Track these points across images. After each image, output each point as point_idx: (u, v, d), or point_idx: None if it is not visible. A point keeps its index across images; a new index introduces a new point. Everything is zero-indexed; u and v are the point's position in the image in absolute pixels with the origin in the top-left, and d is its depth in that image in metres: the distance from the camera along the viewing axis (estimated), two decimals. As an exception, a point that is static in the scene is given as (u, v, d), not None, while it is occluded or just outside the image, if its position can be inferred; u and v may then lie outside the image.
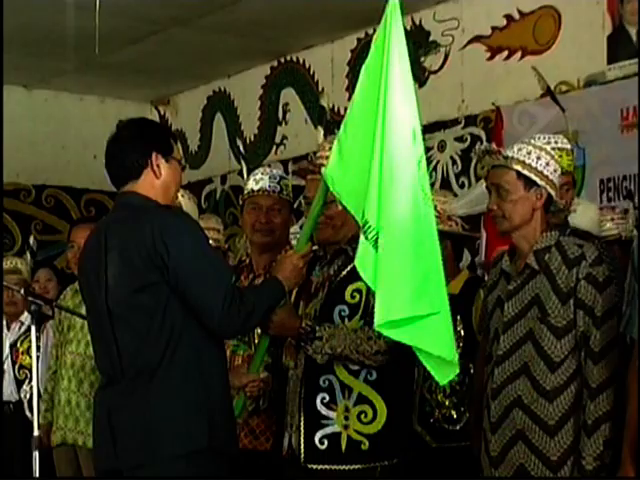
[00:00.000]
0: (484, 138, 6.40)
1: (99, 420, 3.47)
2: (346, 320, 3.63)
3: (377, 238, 3.20)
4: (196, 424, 3.34)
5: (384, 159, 3.21)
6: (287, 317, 3.59)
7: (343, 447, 3.59)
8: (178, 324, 3.35)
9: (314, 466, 3.62)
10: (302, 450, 3.63)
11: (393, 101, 3.24)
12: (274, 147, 7.82)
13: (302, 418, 3.66)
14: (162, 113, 8.74)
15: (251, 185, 4.35)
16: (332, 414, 3.61)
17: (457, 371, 3.26)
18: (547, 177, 3.51)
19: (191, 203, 5.30)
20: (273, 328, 3.58)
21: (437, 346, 3.18)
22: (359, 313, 3.62)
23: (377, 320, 3.14)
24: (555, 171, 3.54)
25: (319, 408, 3.62)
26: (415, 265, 3.17)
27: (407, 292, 3.15)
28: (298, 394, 3.68)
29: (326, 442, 3.61)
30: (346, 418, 3.61)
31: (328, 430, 3.61)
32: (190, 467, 3.31)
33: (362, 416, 3.60)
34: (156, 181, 3.48)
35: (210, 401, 3.39)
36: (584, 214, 4.56)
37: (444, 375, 3.27)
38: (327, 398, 3.63)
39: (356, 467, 3.59)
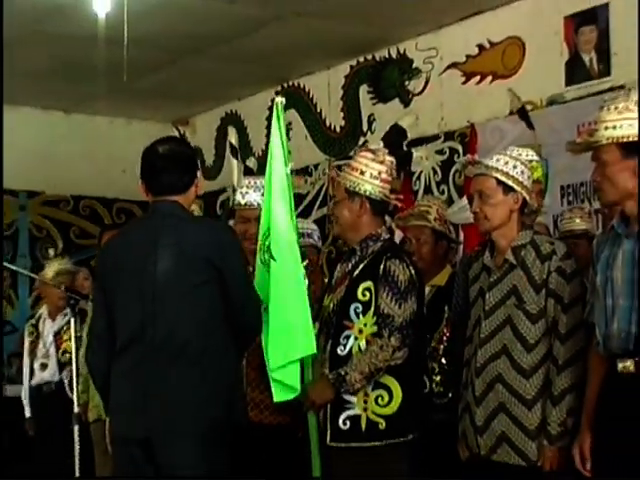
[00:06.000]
0: (461, 151, 6.38)
1: (132, 393, 3.38)
2: (360, 316, 3.61)
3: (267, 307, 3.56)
4: (222, 403, 3.35)
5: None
6: (318, 388, 3.61)
7: (363, 427, 3.57)
8: (220, 316, 3.38)
9: (338, 444, 3.59)
10: (328, 430, 3.61)
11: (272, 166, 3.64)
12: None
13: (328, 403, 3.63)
14: (182, 132, 8.70)
15: (239, 198, 4.28)
16: (353, 399, 3.59)
17: (295, 395, 3.55)
18: (522, 183, 3.49)
19: (199, 210, 5.33)
20: (316, 397, 3.62)
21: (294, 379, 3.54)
22: (371, 310, 3.60)
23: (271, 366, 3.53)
24: (529, 178, 3.53)
25: (342, 394, 3.59)
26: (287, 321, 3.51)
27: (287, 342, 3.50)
28: None
29: (348, 423, 3.59)
30: (365, 402, 3.58)
31: (350, 412, 3.58)
32: (215, 437, 3.33)
33: (379, 399, 3.58)
34: (193, 196, 3.55)
35: (232, 384, 3.42)
36: None
37: (280, 396, 3.57)
38: None
39: (375, 444, 3.57)
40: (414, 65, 6.78)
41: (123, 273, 3.44)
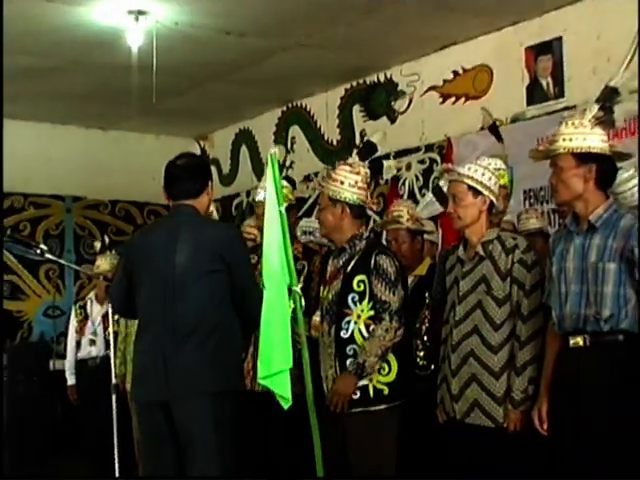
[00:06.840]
0: (439, 161, 6.38)
1: (154, 362, 3.41)
2: (357, 304, 3.65)
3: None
4: (229, 372, 3.41)
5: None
6: (345, 382, 3.62)
7: (371, 394, 3.62)
8: (228, 300, 3.44)
9: (353, 410, 3.63)
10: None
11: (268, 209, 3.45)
12: (285, 169, 7.77)
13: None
14: (202, 146, 8.70)
15: (253, 197, 4.41)
16: None
17: (287, 405, 3.39)
18: (489, 188, 3.50)
19: (216, 212, 5.34)
20: (347, 390, 3.61)
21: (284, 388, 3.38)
22: (366, 298, 3.64)
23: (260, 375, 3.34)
24: (495, 184, 3.53)
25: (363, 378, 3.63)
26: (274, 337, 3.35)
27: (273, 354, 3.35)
28: (333, 360, 3.68)
29: (359, 393, 3.62)
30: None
31: (359, 384, 3.62)
32: (223, 400, 3.38)
33: (381, 370, 3.63)
34: (206, 201, 3.59)
35: (237, 356, 3.50)
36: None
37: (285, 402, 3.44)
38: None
39: (381, 407, 3.62)
40: (399, 88, 6.77)
41: (146, 263, 3.49)
